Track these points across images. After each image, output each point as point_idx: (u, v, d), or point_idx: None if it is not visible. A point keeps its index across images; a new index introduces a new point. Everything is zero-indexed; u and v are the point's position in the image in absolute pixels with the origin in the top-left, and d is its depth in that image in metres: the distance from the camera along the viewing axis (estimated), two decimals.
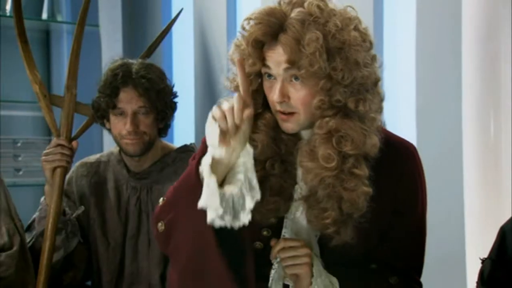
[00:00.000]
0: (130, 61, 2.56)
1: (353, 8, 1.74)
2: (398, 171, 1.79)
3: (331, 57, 1.66)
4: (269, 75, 1.71)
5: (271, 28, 1.68)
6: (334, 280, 1.74)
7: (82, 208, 2.61)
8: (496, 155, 2.22)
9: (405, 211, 1.80)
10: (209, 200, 1.64)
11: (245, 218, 1.66)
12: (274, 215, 1.77)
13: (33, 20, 3.63)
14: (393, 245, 1.81)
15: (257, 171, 1.71)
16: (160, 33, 2.98)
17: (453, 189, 2.40)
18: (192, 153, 2.60)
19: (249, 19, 1.71)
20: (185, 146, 2.66)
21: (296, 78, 1.68)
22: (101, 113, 2.53)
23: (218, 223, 1.64)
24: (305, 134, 1.76)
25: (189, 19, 3.39)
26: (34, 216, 2.63)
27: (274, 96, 1.70)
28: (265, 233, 1.80)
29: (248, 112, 1.66)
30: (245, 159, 1.70)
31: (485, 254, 1.79)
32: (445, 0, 2.48)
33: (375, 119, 1.73)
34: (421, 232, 1.85)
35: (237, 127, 1.67)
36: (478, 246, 2.19)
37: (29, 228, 2.63)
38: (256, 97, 1.74)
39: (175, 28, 3.10)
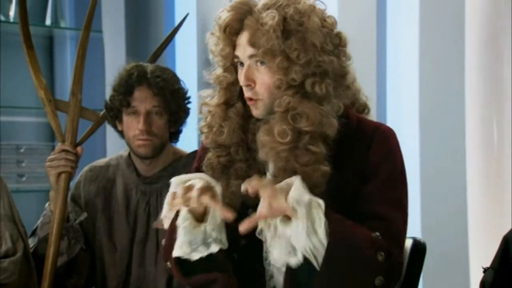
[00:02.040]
0: (145, 64, 2.57)
1: (322, 3, 1.84)
2: (364, 147, 1.82)
3: (287, 36, 1.76)
4: (241, 64, 1.83)
5: (241, 14, 1.81)
6: (321, 203, 1.72)
7: (85, 214, 2.61)
8: (500, 162, 2.22)
9: (372, 177, 1.81)
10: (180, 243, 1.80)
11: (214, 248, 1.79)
12: (240, 199, 1.82)
13: (36, 26, 3.64)
14: (364, 208, 1.79)
15: (222, 156, 1.85)
16: (165, 39, 2.98)
17: (457, 195, 2.40)
18: None
19: (224, 9, 1.84)
20: (196, 151, 2.66)
21: (262, 62, 1.79)
22: (114, 112, 2.53)
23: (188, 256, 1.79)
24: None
25: (192, 25, 3.39)
26: (39, 222, 2.63)
27: (240, 80, 1.82)
28: (251, 211, 1.79)
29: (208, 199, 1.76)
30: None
31: (488, 262, 1.78)
32: (448, 4, 2.49)
33: (335, 103, 1.80)
34: (392, 194, 1.81)
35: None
36: (482, 254, 2.19)
37: (33, 234, 2.63)
38: (232, 90, 1.87)
39: (178, 34, 3.10)
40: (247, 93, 1.82)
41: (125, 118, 2.52)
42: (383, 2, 2.72)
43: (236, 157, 1.86)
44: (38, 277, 2.53)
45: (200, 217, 1.83)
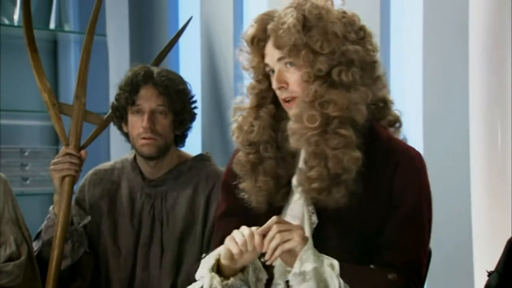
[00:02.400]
0: (152, 66, 2.60)
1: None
2: (391, 170, 1.85)
3: (309, 30, 1.81)
4: (273, 71, 1.87)
5: (265, 24, 1.87)
6: (335, 262, 1.76)
7: (89, 217, 2.61)
8: (504, 164, 2.22)
9: (398, 204, 1.84)
10: None
11: None
12: (267, 197, 1.88)
13: (41, 29, 3.64)
14: (386, 239, 1.82)
15: (252, 154, 1.89)
16: (169, 42, 2.99)
17: (461, 199, 2.39)
18: (208, 162, 2.62)
19: (250, 25, 1.90)
20: (201, 155, 2.67)
21: (291, 63, 1.84)
22: (120, 112, 2.54)
23: None
24: None
25: (196, 28, 3.40)
26: (43, 225, 2.63)
27: (273, 85, 1.87)
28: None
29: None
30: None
31: (493, 266, 1.78)
32: (452, 7, 2.49)
33: (362, 91, 1.83)
34: (415, 227, 1.85)
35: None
36: (486, 257, 2.19)
37: (37, 237, 2.63)
38: (265, 95, 1.92)
39: (182, 37, 3.11)
40: (282, 95, 1.87)
41: (130, 117, 2.53)
42: (387, 4, 2.72)
43: (265, 155, 1.90)
44: (42, 280, 2.54)
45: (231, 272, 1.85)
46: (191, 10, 3.44)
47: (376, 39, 1.90)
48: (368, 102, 1.86)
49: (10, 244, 2.47)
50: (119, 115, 2.55)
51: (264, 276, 1.84)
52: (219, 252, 1.85)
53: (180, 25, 3.23)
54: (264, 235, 1.75)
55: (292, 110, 1.86)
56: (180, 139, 2.62)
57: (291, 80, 1.84)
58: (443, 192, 2.48)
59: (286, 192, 1.90)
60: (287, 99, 1.86)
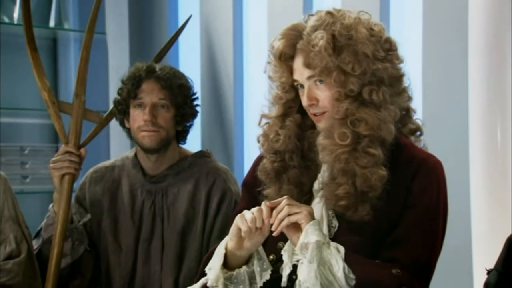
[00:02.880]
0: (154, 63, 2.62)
1: (366, 12, 1.90)
2: (411, 174, 1.87)
3: (339, 52, 1.83)
4: (301, 86, 1.90)
5: (292, 40, 1.88)
6: (341, 248, 1.78)
7: (89, 216, 2.61)
8: (504, 164, 2.22)
9: (414, 204, 1.86)
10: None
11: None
12: None
13: (40, 28, 3.64)
14: (397, 235, 1.84)
15: (277, 162, 1.92)
16: (168, 40, 2.99)
17: (460, 198, 2.40)
18: (208, 158, 2.62)
19: (276, 38, 1.91)
20: (202, 151, 2.67)
21: (320, 81, 1.86)
22: (122, 106, 2.55)
23: None
24: None
25: (195, 27, 3.40)
26: (42, 223, 2.63)
27: (303, 101, 1.89)
28: (280, 245, 1.88)
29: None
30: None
31: (492, 264, 1.78)
32: (452, 7, 2.49)
33: (391, 109, 1.86)
34: (428, 228, 1.86)
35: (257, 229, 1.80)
36: (485, 255, 2.19)
37: (37, 235, 2.64)
38: (292, 105, 1.94)
39: (181, 35, 3.11)
40: (312, 111, 1.89)
41: (132, 111, 2.54)
42: (386, 3, 2.72)
43: (290, 163, 1.92)
44: (42, 278, 2.54)
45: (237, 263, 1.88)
46: (190, 8, 3.44)
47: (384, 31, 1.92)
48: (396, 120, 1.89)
49: (10, 242, 2.47)
50: (121, 109, 2.56)
51: (269, 267, 1.86)
52: (227, 239, 1.87)
53: (180, 24, 3.23)
54: (272, 209, 1.79)
55: (321, 123, 1.89)
56: (182, 135, 2.62)
57: (321, 97, 1.87)
58: None
59: (308, 198, 1.92)
60: (317, 114, 1.89)
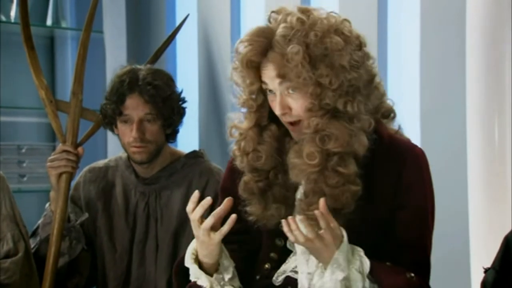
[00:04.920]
0: (138, 67, 2.56)
1: (336, 13, 1.82)
2: (396, 169, 1.84)
3: (316, 65, 1.76)
4: (270, 90, 1.82)
5: (261, 48, 1.79)
6: (366, 261, 1.77)
7: (86, 215, 2.61)
8: (501, 161, 2.22)
9: (403, 204, 1.84)
10: None
11: None
12: (277, 220, 1.84)
13: (37, 26, 3.64)
14: (396, 240, 1.83)
15: (261, 181, 1.85)
16: (166, 39, 2.98)
17: (458, 196, 2.40)
18: (201, 159, 2.62)
19: (241, 41, 1.82)
20: (194, 151, 2.66)
21: (293, 89, 1.79)
22: (108, 120, 2.54)
23: None
24: None
25: (193, 25, 3.40)
26: (39, 222, 2.63)
27: (275, 110, 1.82)
28: (278, 243, 1.88)
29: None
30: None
31: (489, 263, 1.78)
32: (450, 5, 2.49)
33: (365, 119, 1.80)
34: (422, 226, 1.86)
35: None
36: (483, 254, 2.19)
37: (34, 234, 2.63)
38: (262, 111, 1.87)
39: (179, 34, 3.11)
40: (285, 119, 1.83)
41: (120, 125, 2.53)
42: (384, 2, 2.72)
43: (275, 182, 1.87)
44: (40, 277, 2.53)
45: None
46: (188, 7, 3.44)
47: (374, 39, 1.89)
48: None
49: (7, 241, 2.47)
50: (109, 121, 2.55)
51: (231, 264, 1.86)
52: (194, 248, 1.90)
53: (178, 22, 3.23)
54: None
55: (297, 135, 1.83)
56: (171, 135, 2.61)
57: (294, 106, 1.80)
58: (441, 189, 2.48)
59: (291, 210, 1.88)
60: (291, 122, 1.83)
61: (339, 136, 1.76)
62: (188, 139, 3.40)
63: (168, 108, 2.51)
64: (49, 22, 3.76)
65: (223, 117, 3.28)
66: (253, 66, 1.81)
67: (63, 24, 3.81)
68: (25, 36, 2.62)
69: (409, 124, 2.65)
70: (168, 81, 2.55)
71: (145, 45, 3.65)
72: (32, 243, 2.59)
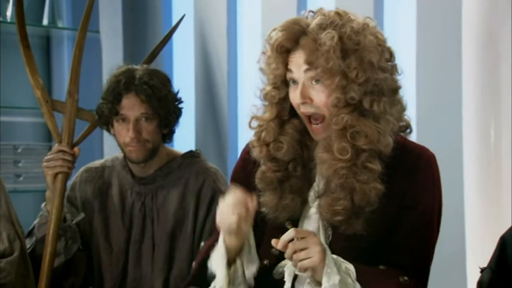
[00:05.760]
0: (134, 67, 2.56)
1: (372, 19, 1.85)
2: (409, 171, 1.86)
3: (346, 56, 1.77)
4: (294, 81, 1.83)
5: (294, 34, 1.81)
6: (351, 267, 1.77)
7: (82, 214, 2.61)
8: (497, 163, 2.22)
9: (412, 205, 1.85)
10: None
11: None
12: (290, 213, 1.87)
13: (33, 26, 3.63)
14: (398, 240, 1.84)
15: (279, 171, 1.86)
16: (162, 39, 2.98)
17: (454, 197, 2.40)
18: (198, 159, 2.62)
19: (275, 29, 1.84)
20: (191, 152, 2.67)
21: (317, 81, 1.80)
22: (104, 119, 2.54)
23: None
24: None
25: (189, 25, 3.40)
26: (35, 222, 2.63)
27: (295, 98, 1.82)
28: (273, 250, 1.86)
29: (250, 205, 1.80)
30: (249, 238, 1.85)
31: (485, 263, 1.78)
32: (446, 5, 2.49)
33: (390, 121, 1.82)
34: (427, 230, 1.87)
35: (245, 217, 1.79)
36: (479, 254, 2.19)
37: (30, 234, 2.63)
38: (283, 104, 1.88)
39: (175, 34, 3.11)
40: (304, 109, 1.83)
41: (116, 125, 2.53)
42: (380, 2, 2.72)
43: (293, 173, 1.87)
44: (35, 277, 2.53)
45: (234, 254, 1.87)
46: (184, 7, 3.44)
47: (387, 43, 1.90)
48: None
49: (3, 241, 2.47)
50: (105, 121, 2.55)
51: (256, 260, 1.85)
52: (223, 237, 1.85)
53: (174, 22, 3.22)
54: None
55: (319, 135, 1.84)
56: (167, 135, 2.61)
57: (316, 98, 1.81)
58: None
59: (303, 206, 1.89)
60: (314, 117, 1.83)
61: (369, 133, 1.78)
62: (184, 139, 3.40)
63: (164, 107, 2.51)
64: (45, 21, 3.76)
65: (220, 117, 3.28)
66: (282, 52, 1.83)
67: (59, 24, 3.81)
68: (21, 36, 2.62)
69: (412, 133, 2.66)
70: (164, 81, 2.56)
71: (141, 45, 3.65)
72: (28, 243, 2.59)
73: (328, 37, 1.76)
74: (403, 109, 1.92)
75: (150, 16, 3.65)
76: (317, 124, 1.84)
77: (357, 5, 2.71)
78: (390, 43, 2.72)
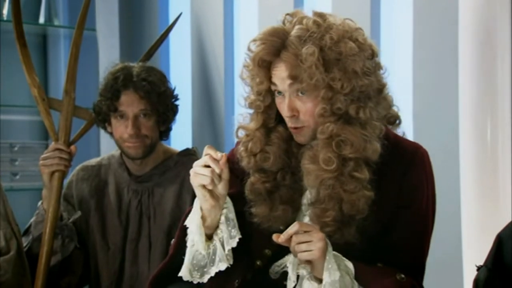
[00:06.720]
0: (131, 64, 2.57)
1: (351, 20, 1.83)
2: (403, 169, 1.85)
3: (329, 68, 1.76)
4: (279, 92, 1.82)
5: (274, 47, 1.78)
6: (350, 265, 1.77)
7: (79, 213, 2.61)
8: (494, 161, 2.22)
9: (407, 204, 1.85)
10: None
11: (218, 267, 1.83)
12: (282, 223, 1.85)
13: (30, 24, 3.63)
14: (394, 239, 1.84)
15: (268, 182, 1.85)
16: (159, 37, 2.98)
17: (450, 195, 2.40)
18: (194, 156, 2.62)
19: (254, 40, 1.82)
20: (187, 149, 2.67)
21: (302, 92, 1.78)
22: (102, 116, 2.54)
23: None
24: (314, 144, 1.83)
25: (186, 24, 3.40)
26: (31, 220, 2.63)
27: (283, 111, 1.81)
28: (266, 251, 1.87)
29: (224, 159, 1.79)
30: (227, 208, 1.85)
31: (482, 261, 1.79)
32: (442, 5, 2.49)
33: (377, 126, 1.80)
34: (422, 227, 1.87)
35: (219, 176, 1.79)
36: (475, 252, 2.19)
37: (26, 232, 2.63)
38: (269, 112, 1.87)
39: (172, 32, 3.11)
40: (291, 124, 1.82)
41: (114, 121, 2.53)
42: (377, 2, 2.72)
43: (282, 183, 1.86)
44: (32, 275, 2.53)
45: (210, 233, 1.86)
46: (181, 6, 3.44)
47: (370, 42, 1.88)
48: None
49: None
50: (102, 119, 2.55)
51: (237, 234, 1.84)
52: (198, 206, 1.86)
53: (171, 21, 3.22)
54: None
55: (300, 138, 1.83)
56: (164, 133, 2.62)
57: (303, 109, 1.80)
58: None
59: (296, 214, 1.88)
60: (296, 127, 1.82)
61: (354, 141, 1.76)
62: (181, 137, 3.40)
63: (162, 104, 2.52)
64: (41, 20, 3.76)
65: (216, 115, 3.28)
66: (264, 66, 1.81)
67: (56, 22, 3.80)
68: (18, 34, 2.62)
69: (402, 124, 2.65)
70: (161, 77, 2.56)
71: (138, 43, 3.65)
72: (25, 241, 2.59)
73: (308, 52, 1.74)
74: (389, 104, 1.91)
75: (146, 15, 3.65)
76: (298, 129, 1.84)
77: (353, 4, 2.71)
78: (386, 42, 2.74)
